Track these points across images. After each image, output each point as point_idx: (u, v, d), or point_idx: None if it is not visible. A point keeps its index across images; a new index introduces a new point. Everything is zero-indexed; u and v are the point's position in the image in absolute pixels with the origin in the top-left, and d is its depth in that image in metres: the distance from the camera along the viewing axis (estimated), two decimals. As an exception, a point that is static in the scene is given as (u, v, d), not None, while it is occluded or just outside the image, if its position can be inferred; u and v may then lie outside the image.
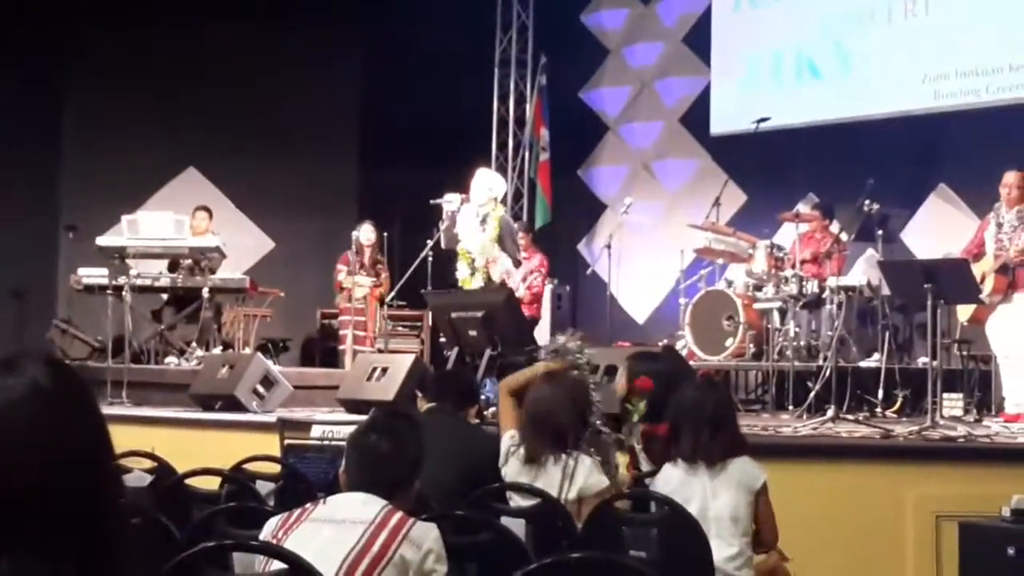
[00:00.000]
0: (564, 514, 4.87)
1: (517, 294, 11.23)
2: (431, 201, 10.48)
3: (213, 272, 12.54)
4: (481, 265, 10.13)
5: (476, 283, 10.09)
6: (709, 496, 4.90)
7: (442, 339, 10.03)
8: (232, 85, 14.96)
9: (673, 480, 4.96)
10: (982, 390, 10.24)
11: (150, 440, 6.85)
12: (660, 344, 10.85)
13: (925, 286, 8.37)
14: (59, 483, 1.69)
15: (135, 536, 1.84)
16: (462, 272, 10.20)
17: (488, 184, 10.26)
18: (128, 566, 1.75)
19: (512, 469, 5.27)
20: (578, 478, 5.11)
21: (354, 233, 12.88)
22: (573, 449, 5.18)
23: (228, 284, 12.64)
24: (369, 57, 15.77)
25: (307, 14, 14.94)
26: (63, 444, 1.72)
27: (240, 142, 14.91)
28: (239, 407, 9.82)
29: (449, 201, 10.27)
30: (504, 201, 10.83)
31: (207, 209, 13.21)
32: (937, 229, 12.68)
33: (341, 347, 12.91)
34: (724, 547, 4.85)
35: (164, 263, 12.85)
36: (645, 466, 5.79)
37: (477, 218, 10.12)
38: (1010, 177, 9.03)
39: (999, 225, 8.94)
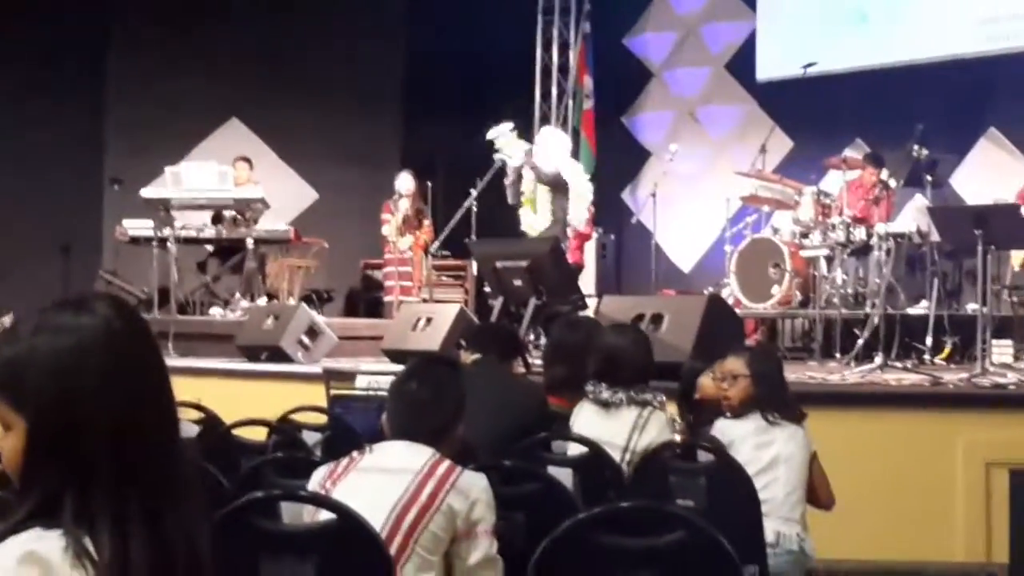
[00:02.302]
0: (612, 464, 4.85)
1: (580, 228, 11.23)
2: (488, 136, 10.46)
3: (256, 223, 12.56)
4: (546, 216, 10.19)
5: (542, 226, 10.12)
6: (781, 442, 4.98)
7: (487, 288, 10.02)
8: (274, 35, 14.93)
9: (750, 426, 5.03)
10: (1033, 336, 10.13)
11: (197, 391, 6.87)
12: (706, 291, 10.78)
13: (975, 232, 8.27)
14: (130, 420, 1.74)
15: (196, 475, 1.89)
16: (527, 218, 10.20)
17: (557, 146, 10.32)
18: (190, 503, 1.80)
19: (584, 415, 5.26)
20: (650, 430, 5.12)
21: (396, 183, 12.92)
22: (643, 393, 5.18)
23: (272, 235, 12.67)
24: (412, 5, 15.70)
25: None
26: (135, 383, 1.77)
27: (283, 92, 14.88)
28: (285, 358, 9.86)
29: (510, 156, 10.26)
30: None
31: (247, 159, 13.22)
32: (987, 174, 12.53)
33: (388, 298, 12.94)
34: (787, 485, 4.94)
35: (208, 214, 12.86)
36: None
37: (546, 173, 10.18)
38: None
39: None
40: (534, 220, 10.23)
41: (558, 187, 10.27)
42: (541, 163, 10.23)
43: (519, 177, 10.25)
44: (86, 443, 1.70)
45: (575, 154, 15.56)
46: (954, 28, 12.95)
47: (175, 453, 1.80)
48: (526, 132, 15.94)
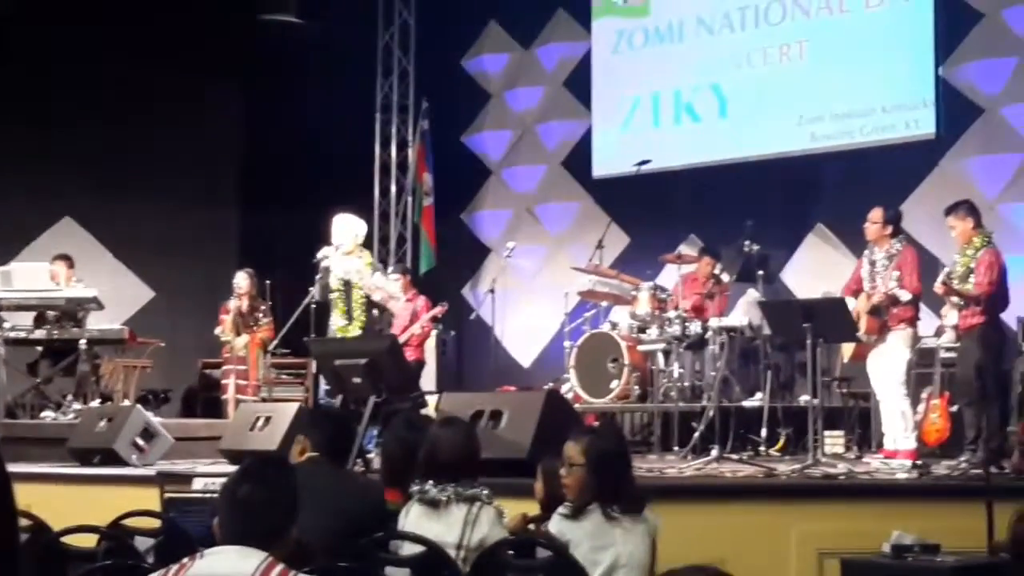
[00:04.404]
0: (449, 562, 4.82)
1: (414, 331, 11.30)
2: (316, 257, 10.45)
3: (85, 323, 12.30)
4: (360, 297, 10.14)
5: (354, 332, 10.05)
6: (620, 543, 4.89)
7: (326, 387, 9.95)
8: (108, 133, 14.72)
9: (587, 526, 4.92)
10: (862, 427, 10.40)
11: (26, 497, 6.64)
12: (546, 387, 10.85)
13: (804, 325, 8.49)
14: None
15: None
16: (337, 322, 10.17)
17: (354, 229, 10.27)
18: None
19: (413, 516, 5.20)
20: (481, 526, 5.07)
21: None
22: (471, 488, 5.15)
23: (106, 335, 12.40)
24: (249, 103, 15.68)
25: (185, 60, 14.78)
26: None
27: (117, 191, 14.67)
28: (119, 461, 9.64)
29: (326, 256, 10.26)
30: (365, 243, 10.83)
31: (66, 257, 12.88)
32: (816, 268, 12.90)
33: (224, 396, 12.76)
34: None
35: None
36: None
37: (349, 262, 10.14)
38: (871, 213, 9.15)
39: (872, 263, 9.05)
40: (340, 321, 10.21)
41: (360, 277, 10.27)
42: (344, 248, 10.24)
43: (327, 274, 10.25)
44: None
45: (415, 250, 15.74)
46: (780, 127, 13.37)
47: (17, 559, 1.74)
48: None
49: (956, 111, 12.42)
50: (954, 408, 9.19)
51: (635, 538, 4.93)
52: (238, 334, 12.72)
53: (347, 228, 10.24)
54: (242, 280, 12.84)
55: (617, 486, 5.03)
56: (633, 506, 5.00)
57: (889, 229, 9.02)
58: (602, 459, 5.05)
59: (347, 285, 10.12)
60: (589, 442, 5.14)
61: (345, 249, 10.12)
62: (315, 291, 10.18)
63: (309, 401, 12.34)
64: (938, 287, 8.69)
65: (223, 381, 12.95)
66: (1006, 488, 7.13)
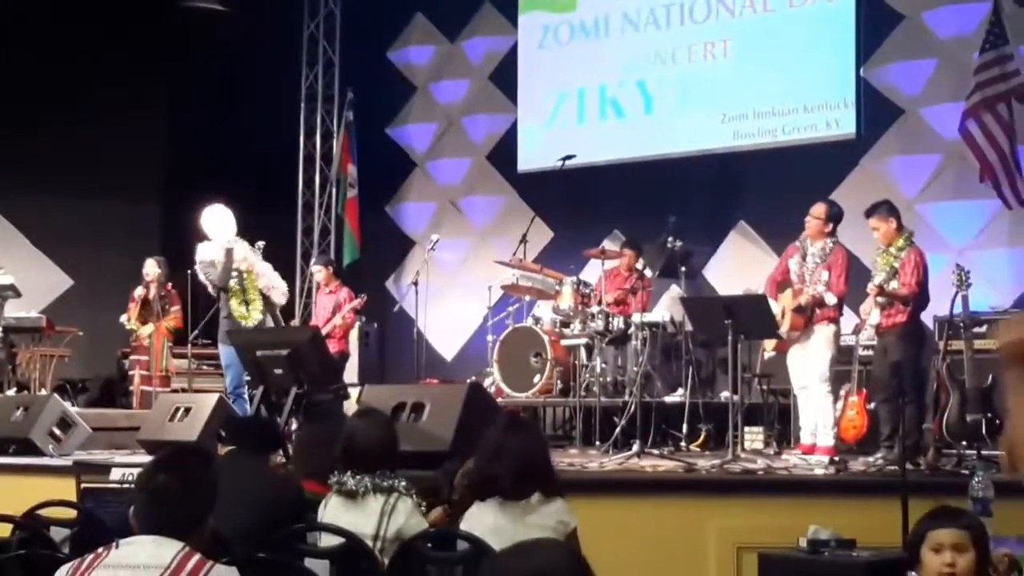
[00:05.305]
0: (368, 553, 4.81)
1: (336, 322, 11.33)
2: (199, 251, 10.48)
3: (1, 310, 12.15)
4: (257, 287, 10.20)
5: (255, 316, 10.12)
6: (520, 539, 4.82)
7: (247, 378, 9.89)
8: (28, 122, 14.47)
9: (487, 520, 4.88)
10: (782, 423, 10.49)
11: (-62, 486, 6.58)
12: (469, 380, 10.85)
13: (726, 322, 8.55)
14: None
15: None
16: (236, 309, 10.18)
17: (231, 218, 10.34)
18: None
19: (332, 507, 5.18)
20: (398, 517, 5.05)
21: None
22: (388, 479, 5.13)
23: (23, 323, 12.28)
24: (175, 92, 15.50)
25: (108, 48, 14.60)
26: None
27: (37, 179, 14.44)
28: (35, 451, 9.52)
29: (230, 239, 10.30)
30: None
31: None
32: (737, 265, 12.98)
33: (131, 387, 12.64)
34: None
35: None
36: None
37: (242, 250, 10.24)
38: (814, 208, 9.12)
39: (804, 256, 9.03)
40: (239, 308, 10.26)
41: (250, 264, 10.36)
42: (229, 237, 10.31)
43: (230, 256, 10.29)
44: None
45: (339, 242, 15.68)
46: (704, 124, 13.46)
47: None
48: (289, 219, 15.95)
49: (877, 111, 12.56)
50: (871, 405, 9.29)
51: (537, 534, 4.86)
52: (144, 323, 12.56)
53: (227, 218, 10.32)
54: (151, 267, 12.67)
55: (511, 476, 4.90)
56: (539, 491, 4.90)
57: (829, 227, 8.99)
58: (491, 450, 4.98)
59: (239, 272, 10.17)
60: (467, 468, 5.16)
61: (231, 237, 10.19)
62: (216, 277, 10.17)
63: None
64: (872, 289, 8.73)
65: (130, 372, 12.83)
66: (921, 484, 7.21)
